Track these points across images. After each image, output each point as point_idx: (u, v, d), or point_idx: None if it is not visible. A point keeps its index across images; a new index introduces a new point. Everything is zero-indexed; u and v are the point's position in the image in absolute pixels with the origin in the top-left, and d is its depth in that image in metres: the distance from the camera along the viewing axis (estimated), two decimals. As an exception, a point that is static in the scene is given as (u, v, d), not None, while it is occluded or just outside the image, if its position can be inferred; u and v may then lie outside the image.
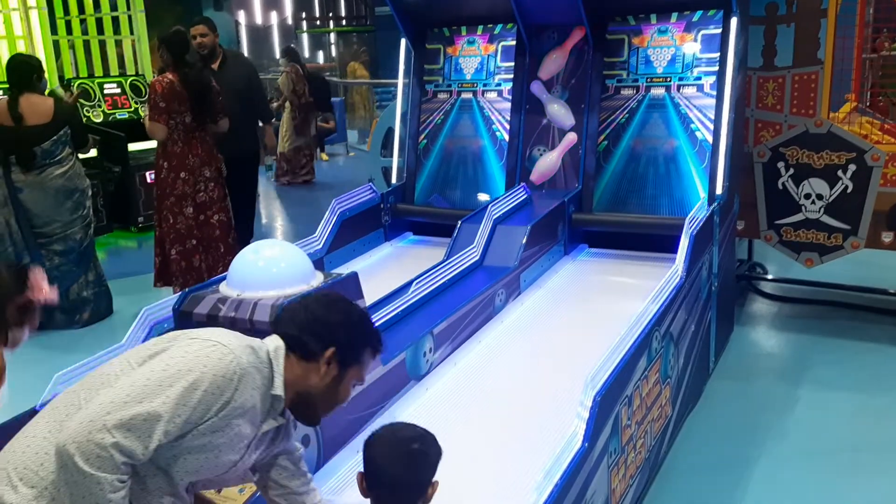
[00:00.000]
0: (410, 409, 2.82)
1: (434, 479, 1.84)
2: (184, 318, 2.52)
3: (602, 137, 4.45)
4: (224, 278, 2.46)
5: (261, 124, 6.28)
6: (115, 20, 8.38)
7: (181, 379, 1.57)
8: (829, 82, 4.55)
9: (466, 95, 4.85)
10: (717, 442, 3.55)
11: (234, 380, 1.62)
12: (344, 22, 25.44)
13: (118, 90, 7.96)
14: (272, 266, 2.37)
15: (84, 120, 6.80)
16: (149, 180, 6.85)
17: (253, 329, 2.22)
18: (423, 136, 4.93)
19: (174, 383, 1.56)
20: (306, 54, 23.71)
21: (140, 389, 1.55)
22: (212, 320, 2.35)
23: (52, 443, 1.55)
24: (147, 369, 1.60)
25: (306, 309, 1.81)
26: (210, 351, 1.62)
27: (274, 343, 1.77)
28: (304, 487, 1.93)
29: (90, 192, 5.29)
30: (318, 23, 26.11)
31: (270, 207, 9.41)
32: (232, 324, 2.24)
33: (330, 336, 1.76)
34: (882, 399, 3.90)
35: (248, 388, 1.65)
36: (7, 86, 5.07)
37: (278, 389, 1.72)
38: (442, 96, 4.91)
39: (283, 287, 2.32)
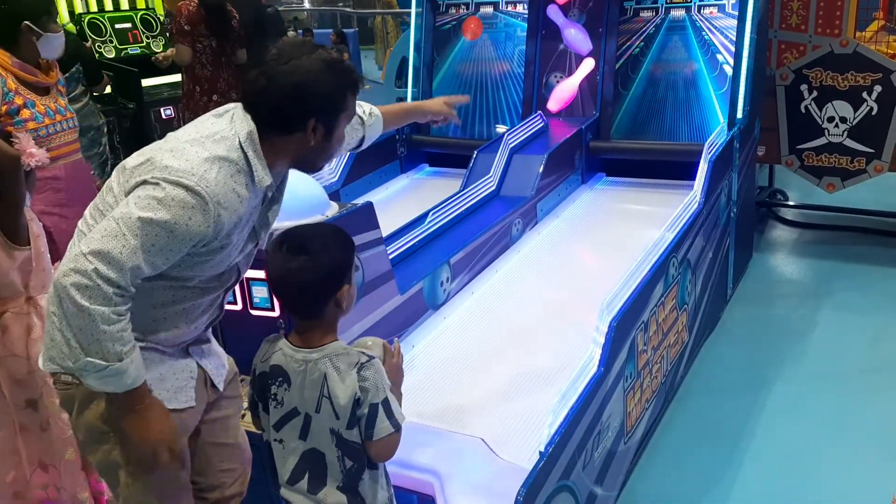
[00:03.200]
0: (428, 337, 2.86)
1: (344, 286, 1.66)
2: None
3: (620, 62, 4.35)
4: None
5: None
6: (123, -47, 8.19)
7: (152, 226, 1.51)
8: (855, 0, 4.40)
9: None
10: (734, 366, 3.58)
11: (209, 219, 1.55)
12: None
13: (129, 25, 7.85)
14: (286, 195, 2.36)
15: (96, 56, 6.74)
16: (164, 116, 6.83)
17: (270, 259, 2.24)
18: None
19: (142, 232, 1.51)
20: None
21: (116, 230, 1.51)
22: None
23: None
24: (128, 208, 1.53)
25: (273, 81, 1.62)
26: (181, 198, 1.53)
27: (244, 129, 1.64)
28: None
29: (105, 130, 5.30)
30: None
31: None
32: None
33: (307, 108, 1.64)
34: (901, 323, 3.89)
35: (229, 207, 1.59)
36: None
37: (264, 181, 1.64)
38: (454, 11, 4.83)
39: (298, 217, 2.31)
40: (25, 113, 2.84)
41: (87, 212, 1.67)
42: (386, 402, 1.63)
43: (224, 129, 1.65)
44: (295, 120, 1.65)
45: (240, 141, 1.63)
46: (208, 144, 1.61)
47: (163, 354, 1.74)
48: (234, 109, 1.70)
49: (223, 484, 1.97)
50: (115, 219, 1.52)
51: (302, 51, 1.65)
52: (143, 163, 1.60)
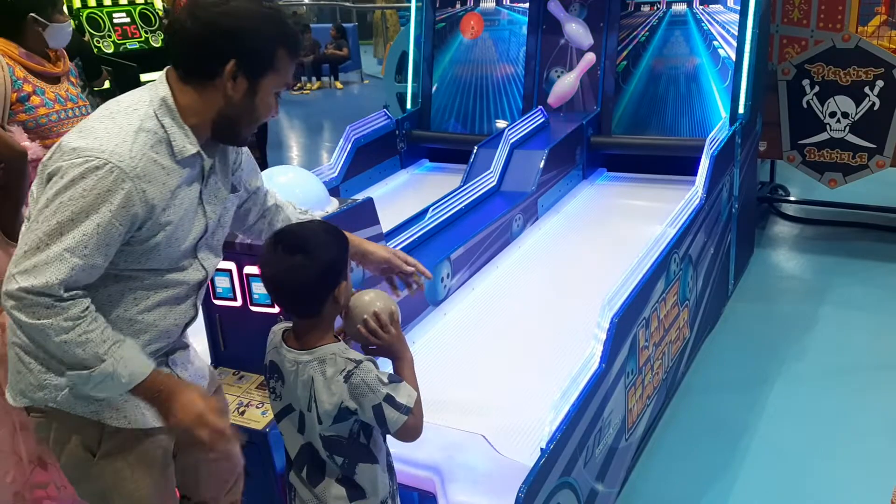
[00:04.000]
0: (428, 333, 2.85)
1: (340, 282, 1.64)
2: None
3: (621, 57, 4.34)
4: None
5: None
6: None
7: (74, 224, 1.41)
8: (858, -6, 4.39)
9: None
10: (736, 362, 3.57)
11: (133, 198, 1.44)
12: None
13: (127, 19, 7.83)
14: (287, 192, 2.34)
15: (96, 51, 6.73)
16: (163, 111, 6.80)
17: (270, 256, 2.23)
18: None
19: (65, 236, 1.41)
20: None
21: (37, 240, 1.41)
22: (228, 246, 2.36)
23: None
24: (43, 216, 1.42)
25: (196, 19, 1.50)
26: (94, 182, 1.41)
27: (158, 94, 1.53)
28: (295, 210, 1.99)
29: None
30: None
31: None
32: (249, 249, 2.25)
33: (227, 47, 1.49)
34: (903, 319, 3.88)
35: (154, 180, 1.48)
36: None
37: (186, 150, 1.52)
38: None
39: (299, 213, 2.31)
40: (35, 100, 2.83)
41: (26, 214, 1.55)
42: (388, 398, 1.61)
43: (136, 99, 1.53)
44: (212, 57, 1.49)
45: (154, 110, 1.51)
46: (119, 118, 1.49)
47: None
48: (156, 78, 1.57)
49: (217, 497, 1.93)
50: (33, 230, 1.42)
51: None
52: (54, 152, 1.48)
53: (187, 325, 1.74)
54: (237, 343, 2.36)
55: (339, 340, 1.69)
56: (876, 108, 4.36)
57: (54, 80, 2.98)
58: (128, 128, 1.47)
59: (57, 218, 1.40)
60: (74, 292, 1.45)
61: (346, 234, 1.73)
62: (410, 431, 1.67)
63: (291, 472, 1.74)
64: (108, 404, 1.58)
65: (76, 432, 1.61)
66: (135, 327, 1.59)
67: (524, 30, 4.60)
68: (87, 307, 1.46)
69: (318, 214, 2.34)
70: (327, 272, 1.61)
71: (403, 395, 1.64)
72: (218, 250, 1.75)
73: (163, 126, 1.50)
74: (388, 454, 1.76)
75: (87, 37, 7.03)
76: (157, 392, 1.54)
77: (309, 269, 1.59)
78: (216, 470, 1.89)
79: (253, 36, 1.51)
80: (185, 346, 1.78)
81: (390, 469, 1.76)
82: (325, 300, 1.63)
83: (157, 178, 1.48)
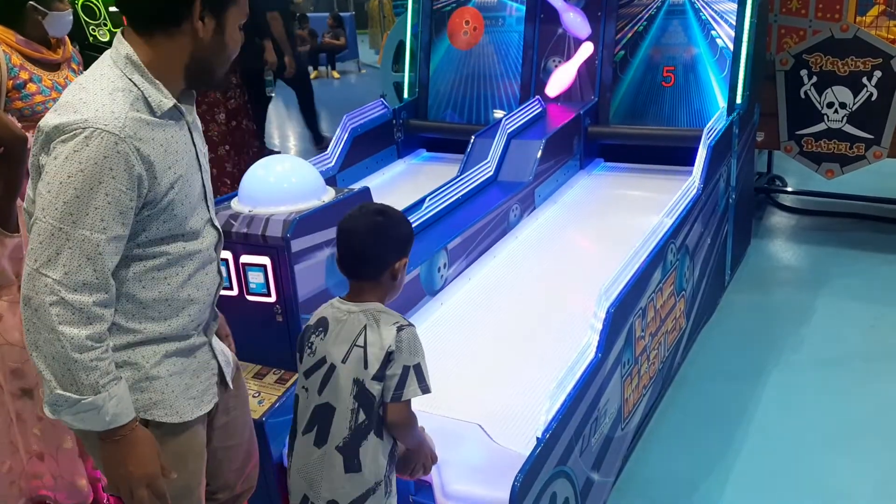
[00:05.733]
0: (426, 323, 2.85)
1: (403, 257, 1.77)
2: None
3: (619, 47, 4.32)
4: (235, 195, 2.45)
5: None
6: (117, -66, 8.12)
7: (80, 202, 1.37)
8: (857, -16, 4.37)
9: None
10: (731, 352, 3.58)
11: (130, 158, 1.41)
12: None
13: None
14: (283, 182, 2.35)
15: (91, 40, 6.69)
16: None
17: (266, 244, 2.23)
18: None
19: (76, 215, 1.37)
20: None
21: (49, 228, 1.37)
22: (224, 236, 2.36)
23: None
24: (46, 201, 1.38)
25: None
26: (89, 153, 1.37)
27: (121, 53, 1.49)
28: None
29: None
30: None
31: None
32: (245, 239, 2.24)
33: None
34: (899, 309, 3.89)
35: (145, 137, 1.45)
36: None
37: (163, 104, 1.50)
38: None
39: (295, 202, 2.30)
40: (32, 87, 2.82)
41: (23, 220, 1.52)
42: (418, 367, 1.70)
43: (100, 66, 1.50)
44: (177, 1, 1.47)
45: (121, 69, 1.47)
46: (90, 86, 1.45)
47: (186, 359, 1.63)
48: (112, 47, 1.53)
49: (233, 483, 1.93)
50: (41, 219, 1.38)
51: None
52: (37, 137, 1.45)
53: (217, 291, 1.73)
54: (233, 332, 2.35)
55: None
56: (874, 98, 4.35)
57: (53, 67, 2.97)
58: (101, 93, 1.44)
59: (62, 199, 1.36)
60: (110, 285, 1.42)
61: None
62: (408, 415, 1.73)
63: (299, 434, 1.78)
64: (160, 402, 1.58)
65: None
66: (174, 306, 1.58)
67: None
68: (106, 331, 1.44)
69: (313, 204, 2.33)
70: (401, 239, 1.77)
71: (426, 380, 1.72)
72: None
73: (134, 83, 1.48)
74: (396, 446, 1.79)
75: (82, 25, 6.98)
76: (120, 432, 1.48)
77: (388, 229, 1.74)
78: (231, 457, 1.90)
79: None
80: (216, 317, 1.78)
81: (391, 458, 1.78)
82: (386, 267, 1.75)
83: (146, 134, 1.46)
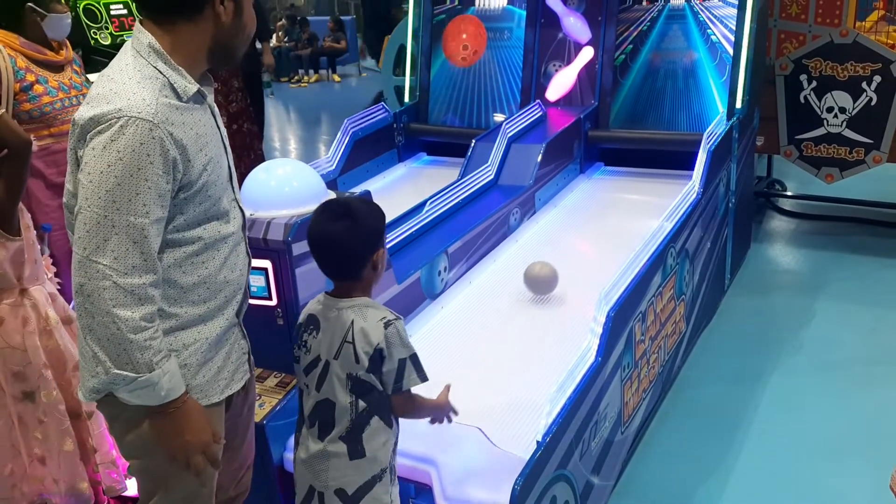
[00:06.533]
0: (426, 326, 2.86)
1: (380, 248, 1.78)
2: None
3: (619, 51, 4.34)
4: (237, 199, 2.46)
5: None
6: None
7: (122, 189, 1.41)
8: (856, -11, 4.39)
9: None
10: (731, 356, 3.58)
11: (165, 143, 1.45)
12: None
13: (125, 11, 7.80)
14: (284, 185, 2.35)
15: (92, 43, 6.70)
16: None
17: (267, 248, 2.23)
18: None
19: (120, 201, 1.41)
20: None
21: (95, 217, 1.42)
22: (226, 240, 2.36)
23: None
24: (89, 191, 1.42)
25: None
26: (126, 141, 1.41)
27: (143, 43, 1.52)
28: None
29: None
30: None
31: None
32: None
33: None
34: (898, 314, 3.89)
35: (176, 122, 1.49)
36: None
37: (188, 89, 1.53)
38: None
39: (296, 206, 2.31)
40: (38, 88, 2.84)
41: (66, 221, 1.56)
42: (414, 357, 1.75)
43: (123, 57, 1.53)
44: None
45: (145, 58, 1.51)
46: (118, 77, 1.49)
47: (219, 342, 1.67)
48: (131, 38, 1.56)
49: (228, 486, 1.93)
50: (86, 209, 1.42)
51: None
52: (73, 131, 1.49)
53: (248, 272, 1.79)
54: (234, 336, 2.36)
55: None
56: (873, 103, 4.36)
57: (57, 68, 2.98)
58: (130, 82, 1.47)
59: (105, 188, 1.41)
60: (157, 266, 1.46)
61: None
62: (412, 400, 1.80)
63: (304, 428, 1.82)
64: (198, 388, 1.62)
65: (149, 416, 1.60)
66: (212, 289, 1.63)
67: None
68: (156, 311, 1.49)
69: (315, 207, 2.34)
70: (370, 236, 1.76)
71: (422, 367, 1.76)
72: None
73: (159, 71, 1.51)
74: (398, 434, 1.83)
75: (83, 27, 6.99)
76: (174, 408, 1.54)
77: (354, 231, 1.72)
78: (230, 458, 1.91)
79: None
80: (247, 298, 1.81)
81: (395, 447, 1.82)
82: (365, 263, 1.76)
83: (177, 119, 1.50)
